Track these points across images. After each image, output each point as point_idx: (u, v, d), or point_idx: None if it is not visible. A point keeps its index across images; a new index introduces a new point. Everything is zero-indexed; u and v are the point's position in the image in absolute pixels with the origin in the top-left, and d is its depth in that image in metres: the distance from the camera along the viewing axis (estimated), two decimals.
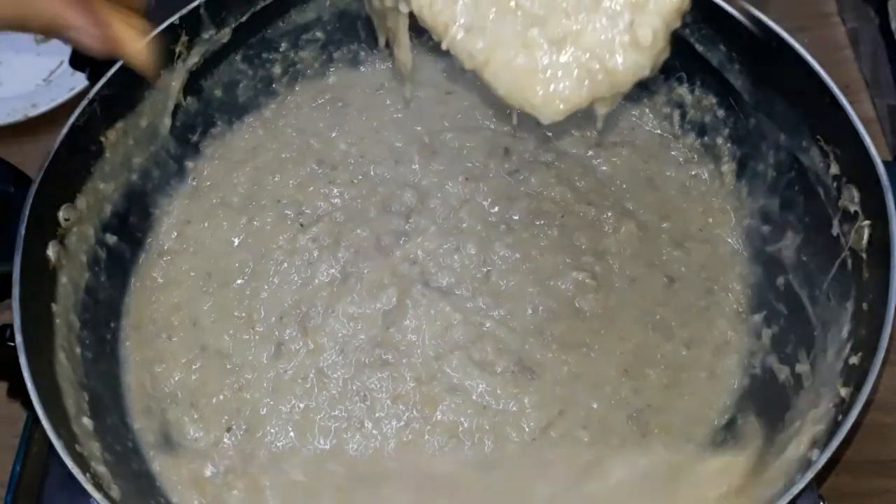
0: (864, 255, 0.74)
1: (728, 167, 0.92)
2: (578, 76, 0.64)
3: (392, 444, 0.81)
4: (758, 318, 0.85)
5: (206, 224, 0.94)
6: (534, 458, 0.79)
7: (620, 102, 0.97)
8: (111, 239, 0.88)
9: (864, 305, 0.73)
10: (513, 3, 0.65)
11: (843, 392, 0.71)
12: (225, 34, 0.93)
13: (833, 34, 1.09)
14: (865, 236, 0.74)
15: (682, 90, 0.94)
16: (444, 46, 0.67)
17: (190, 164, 0.97)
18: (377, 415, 0.82)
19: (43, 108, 1.13)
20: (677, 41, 0.88)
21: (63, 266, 0.81)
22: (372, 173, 0.96)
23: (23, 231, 0.76)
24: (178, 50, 0.90)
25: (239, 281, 0.90)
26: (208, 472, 0.81)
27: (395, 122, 0.99)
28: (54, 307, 0.79)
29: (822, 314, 0.79)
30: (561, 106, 0.65)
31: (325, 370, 0.84)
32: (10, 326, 0.73)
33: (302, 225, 0.92)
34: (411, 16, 0.69)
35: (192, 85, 0.93)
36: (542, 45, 0.64)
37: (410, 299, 0.87)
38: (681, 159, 0.95)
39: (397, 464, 0.80)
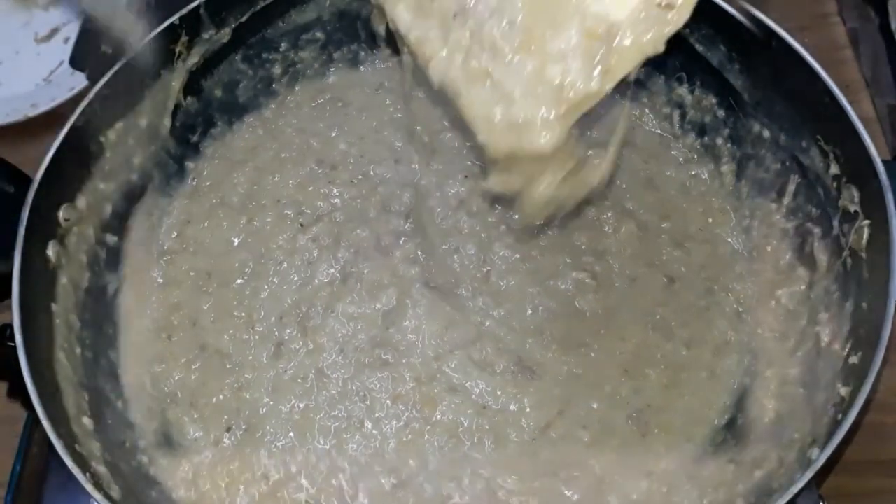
0: (863, 255, 0.74)
1: (728, 167, 0.92)
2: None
3: (392, 444, 0.81)
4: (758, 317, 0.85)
5: (206, 224, 0.94)
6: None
7: (620, 102, 0.98)
8: (111, 239, 0.88)
9: (864, 305, 0.73)
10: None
11: (843, 392, 0.71)
12: (225, 34, 0.93)
13: (833, 34, 1.09)
14: (865, 236, 0.74)
15: (682, 90, 0.94)
16: None
17: (190, 164, 0.97)
18: (377, 415, 0.82)
19: (43, 108, 1.13)
20: (677, 41, 0.89)
21: (63, 266, 0.81)
22: (372, 173, 0.96)
23: (23, 231, 0.76)
24: (178, 50, 0.90)
25: (239, 281, 0.90)
26: (208, 472, 0.81)
27: (394, 121, 0.99)
28: (54, 307, 0.79)
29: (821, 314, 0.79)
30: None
31: (324, 370, 0.84)
32: (10, 326, 0.73)
33: (302, 225, 0.92)
34: None
35: (192, 85, 0.93)
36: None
37: (410, 299, 0.87)
38: (681, 159, 0.95)
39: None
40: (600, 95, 0.63)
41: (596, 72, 0.61)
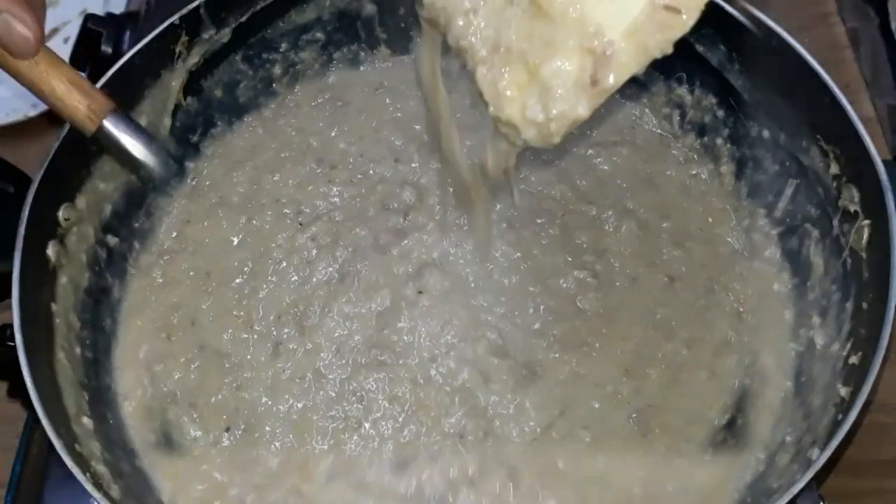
0: (863, 255, 0.75)
1: (728, 167, 0.92)
2: None
3: (390, 445, 0.80)
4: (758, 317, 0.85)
5: (205, 223, 0.94)
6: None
7: (620, 102, 0.98)
8: (111, 239, 0.88)
9: (864, 305, 0.73)
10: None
11: (843, 392, 0.71)
12: (225, 34, 0.93)
13: (833, 34, 1.09)
14: (865, 236, 0.74)
15: (682, 90, 0.94)
16: None
17: (190, 165, 0.97)
18: (374, 416, 0.82)
19: (43, 107, 1.13)
20: (677, 41, 0.88)
21: (63, 266, 0.81)
22: (371, 172, 0.96)
23: (23, 231, 0.76)
24: (178, 50, 0.90)
25: (238, 280, 0.90)
26: (208, 472, 0.81)
27: (394, 120, 0.99)
28: (54, 307, 0.79)
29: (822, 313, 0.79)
30: None
31: (321, 370, 0.84)
32: (10, 326, 0.73)
33: (301, 224, 0.92)
34: None
35: (192, 85, 0.93)
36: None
37: (408, 299, 0.86)
38: (681, 159, 0.95)
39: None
40: (588, 115, 0.62)
41: (585, 95, 0.60)
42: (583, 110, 0.60)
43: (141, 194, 0.92)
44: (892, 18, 0.99)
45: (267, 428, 0.82)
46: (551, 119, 0.60)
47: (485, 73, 0.64)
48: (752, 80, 0.86)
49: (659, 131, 0.97)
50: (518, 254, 0.89)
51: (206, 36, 0.91)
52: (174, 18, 0.87)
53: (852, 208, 0.76)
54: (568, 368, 0.83)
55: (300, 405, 0.83)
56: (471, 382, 0.82)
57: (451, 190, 0.87)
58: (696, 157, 0.95)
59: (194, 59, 0.92)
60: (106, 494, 0.70)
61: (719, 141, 0.92)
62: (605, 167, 0.94)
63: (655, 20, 0.57)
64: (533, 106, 0.61)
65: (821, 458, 0.66)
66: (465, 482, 0.78)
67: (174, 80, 0.91)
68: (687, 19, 0.57)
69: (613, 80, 0.58)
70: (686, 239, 0.90)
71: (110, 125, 0.79)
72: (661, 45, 0.58)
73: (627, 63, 0.58)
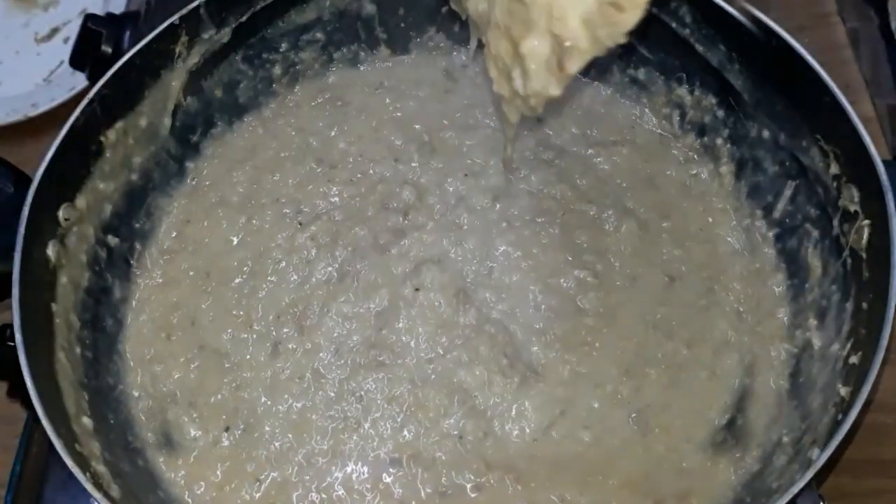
0: (863, 255, 0.75)
1: (727, 167, 0.92)
2: None
3: (390, 446, 0.80)
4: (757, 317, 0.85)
5: (205, 223, 0.94)
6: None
7: (620, 102, 0.98)
8: (111, 239, 0.88)
9: (864, 305, 0.73)
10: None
11: (843, 392, 0.71)
12: (225, 34, 0.93)
13: (833, 34, 1.09)
14: (865, 236, 0.74)
15: (682, 90, 0.94)
16: None
17: (190, 165, 0.97)
18: (374, 416, 0.82)
19: (43, 108, 1.13)
20: (677, 41, 0.89)
21: (63, 266, 0.81)
22: (371, 172, 0.96)
23: (23, 231, 0.76)
24: (178, 50, 0.90)
25: (237, 280, 0.90)
26: (207, 472, 0.81)
27: (394, 120, 0.99)
28: (54, 307, 0.79)
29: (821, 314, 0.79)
30: None
31: (320, 370, 0.84)
32: (10, 326, 0.73)
33: (300, 224, 0.92)
34: None
35: (192, 85, 0.93)
36: None
37: (406, 298, 0.86)
38: (681, 159, 0.95)
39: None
40: (560, 93, 0.68)
41: (553, 78, 0.67)
42: (554, 90, 0.68)
43: (141, 194, 0.92)
44: (892, 18, 0.99)
45: (266, 428, 0.82)
46: (529, 95, 0.69)
47: (487, 51, 0.72)
48: (752, 80, 0.86)
49: (659, 131, 0.97)
50: (518, 253, 0.89)
51: (206, 36, 0.91)
52: (174, 18, 0.87)
53: (852, 208, 0.76)
54: (568, 368, 0.83)
55: (299, 405, 0.83)
56: (470, 383, 0.82)
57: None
58: (696, 157, 0.95)
59: (194, 59, 0.92)
60: (106, 494, 0.70)
61: (719, 141, 0.92)
62: (605, 167, 0.94)
63: (604, 13, 0.62)
64: (517, 79, 0.69)
65: (821, 458, 0.66)
66: (465, 482, 0.78)
67: (174, 80, 0.91)
68: (630, 17, 0.62)
69: (576, 66, 0.65)
70: (686, 238, 0.90)
71: None
72: (612, 35, 0.64)
73: (586, 49, 0.65)
